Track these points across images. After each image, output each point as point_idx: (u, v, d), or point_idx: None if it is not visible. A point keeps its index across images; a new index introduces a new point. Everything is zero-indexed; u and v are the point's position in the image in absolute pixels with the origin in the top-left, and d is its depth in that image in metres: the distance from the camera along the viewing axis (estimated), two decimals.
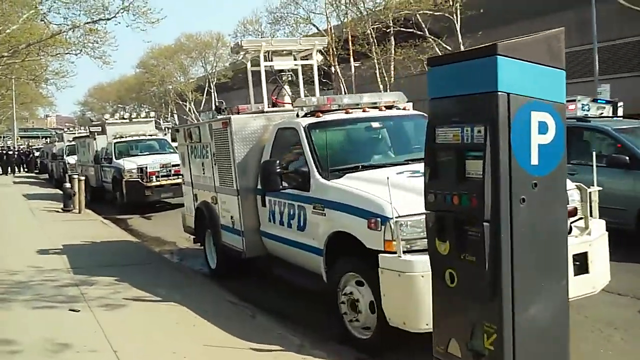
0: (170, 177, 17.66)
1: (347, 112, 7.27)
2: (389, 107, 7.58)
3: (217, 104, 10.50)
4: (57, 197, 22.24)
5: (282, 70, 9.35)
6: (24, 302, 7.08)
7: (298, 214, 6.72)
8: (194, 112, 57.71)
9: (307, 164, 6.62)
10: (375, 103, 7.51)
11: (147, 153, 19.03)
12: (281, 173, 6.57)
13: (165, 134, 20.57)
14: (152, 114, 20.98)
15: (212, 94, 55.83)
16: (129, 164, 17.63)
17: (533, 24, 32.39)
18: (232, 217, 8.15)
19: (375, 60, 36.61)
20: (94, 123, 20.33)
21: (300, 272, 7.06)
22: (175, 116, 60.69)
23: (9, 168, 41.10)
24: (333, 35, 38.86)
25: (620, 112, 13.36)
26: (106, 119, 19.92)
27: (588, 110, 16.96)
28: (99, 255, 10.31)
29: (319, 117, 7.18)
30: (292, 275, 7.26)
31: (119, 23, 47.94)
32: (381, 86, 36.32)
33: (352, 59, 40.26)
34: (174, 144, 22.79)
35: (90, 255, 10.31)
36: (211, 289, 7.81)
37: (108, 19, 22.84)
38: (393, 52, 35.60)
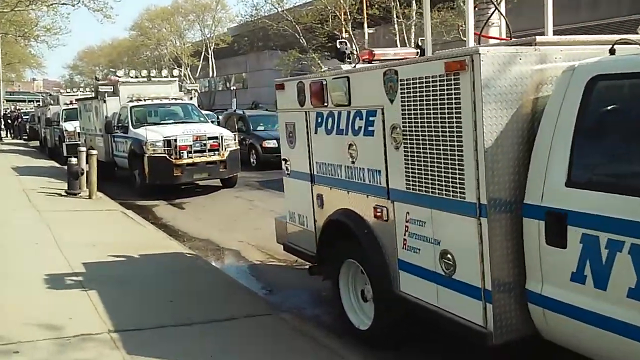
0: (205, 154, 13.32)
1: None
2: None
3: (337, 45, 6.27)
4: (54, 172, 17.83)
5: None
6: None
7: None
8: (189, 78, 53.26)
9: None
10: None
11: (172, 121, 14.58)
12: None
13: (191, 98, 16.05)
14: (175, 72, 16.43)
15: (210, 59, 51.68)
16: (153, 134, 13.20)
17: None
18: (447, 255, 3.96)
19: (396, 25, 32.33)
20: (101, 82, 15.77)
21: None
22: None
23: None
24: None
25: None
26: (119, 77, 15.35)
27: None
28: (149, 290, 6.05)
29: None
30: None
31: None
32: None
33: (365, 24, 36.01)
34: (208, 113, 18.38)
35: (135, 290, 6.04)
36: None
37: None
38: (414, 15, 31.22)
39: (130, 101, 14.83)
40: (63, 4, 24.82)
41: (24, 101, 77.32)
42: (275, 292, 6.81)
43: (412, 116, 4.13)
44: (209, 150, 13.35)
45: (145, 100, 14.83)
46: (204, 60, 52.81)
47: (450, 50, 4.09)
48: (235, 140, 14.02)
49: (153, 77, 15.64)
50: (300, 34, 37.15)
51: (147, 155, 13.00)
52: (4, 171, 17.60)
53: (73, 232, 8.84)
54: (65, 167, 18.83)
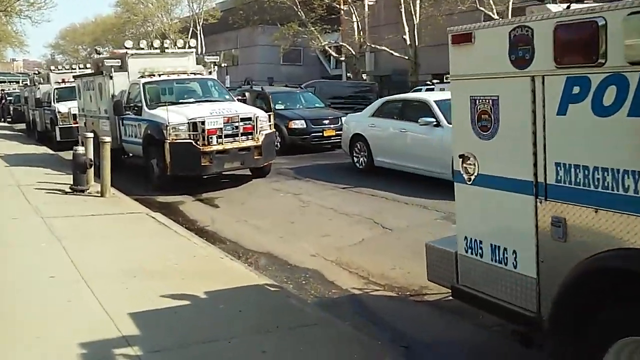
0: (237, 138, 10.83)
1: None
2: None
3: None
4: (49, 160, 15.21)
5: None
6: None
7: None
8: None
9: None
10: None
11: (193, 100, 12.02)
12: None
13: (211, 72, 13.41)
14: (193, 42, 13.74)
15: (199, 35, 48.64)
16: (175, 116, 10.63)
17: None
18: None
19: None
20: (103, 56, 13.04)
21: None
22: None
23: None
24: None
25: None
26: (128, 49, 12.65)
27: None
28: None
29: None
30: None
31: None
32: (407, 27, 29.60)
33: None
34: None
35: None
36: None
37: None
38: None
39: (141, 77, 12.20)
40: None
41: (5, 82, 73.44)
42: (415, 347, 4.48)
43: None
44: (242, 134, 10.86)
45: (159, 75, 12.21)
46: (192, 36, 49.79)
47: None
48: (270, 121, 11.53)
49: (166, 48, 12.97)
50: (298, 6, 34.66)
51: (168, 141, 10.46)
52: None
53: (97, 252, 6.36)
54: (60, 154, 16.30)
